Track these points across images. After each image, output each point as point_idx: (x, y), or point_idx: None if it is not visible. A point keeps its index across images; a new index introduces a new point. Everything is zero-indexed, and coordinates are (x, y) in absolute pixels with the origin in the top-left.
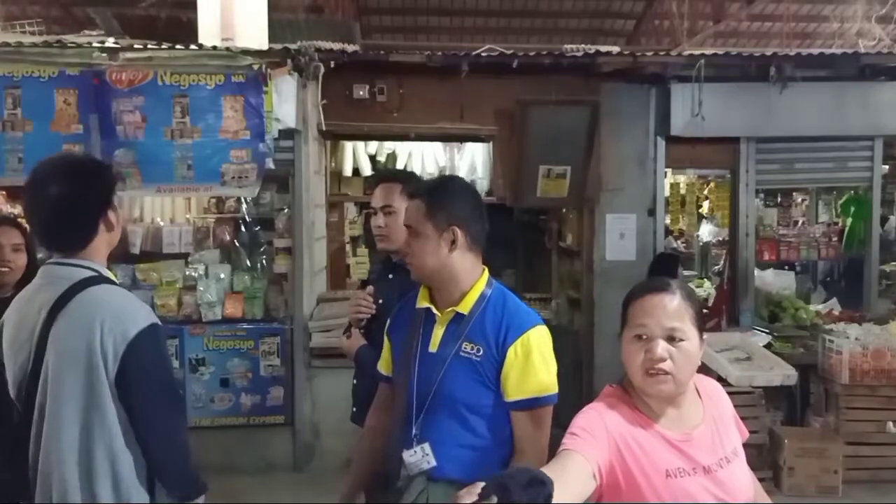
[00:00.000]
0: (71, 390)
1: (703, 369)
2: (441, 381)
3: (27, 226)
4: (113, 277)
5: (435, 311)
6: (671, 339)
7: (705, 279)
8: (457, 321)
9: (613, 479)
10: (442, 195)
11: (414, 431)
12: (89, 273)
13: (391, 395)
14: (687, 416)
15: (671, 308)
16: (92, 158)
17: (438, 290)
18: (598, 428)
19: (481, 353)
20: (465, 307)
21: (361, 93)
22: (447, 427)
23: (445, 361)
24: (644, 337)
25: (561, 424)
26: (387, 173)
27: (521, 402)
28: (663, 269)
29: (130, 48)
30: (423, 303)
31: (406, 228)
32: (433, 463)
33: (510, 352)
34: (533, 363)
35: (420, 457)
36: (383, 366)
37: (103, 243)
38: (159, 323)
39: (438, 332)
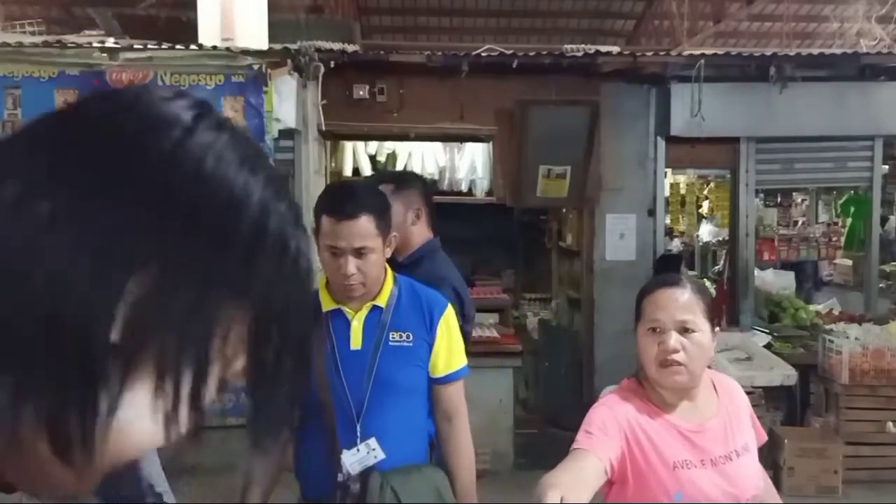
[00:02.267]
0: None
1: None
2: (377, 374)
3: None
4: None
5: (346, 310)
6: (684, 331)
7: (705, 279)
8: (374, 314)
9: (623, 470)
10: (383, 207)
11: (357, 430)
12: None
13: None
14: (701, 408)
15: (682, 301)
16: None
17: (353, 298)
18: (610, 423)
19: (412, 338)
20: (382, 300)
21: (361, 93)
22: (391, 417)
23: (376, 355)
24: (657, 330)
25: (561, 425)
26: (380, 175)
27: (451, 376)
28: (666, 269)
29: (130, 48)
30: (329, 305)
31: (352, 251)
32: (381, 456)
33: (439, 330)
34: (454, 338)
35: (365, 454)
36: None
37: None
38: None
39: (357, 329)
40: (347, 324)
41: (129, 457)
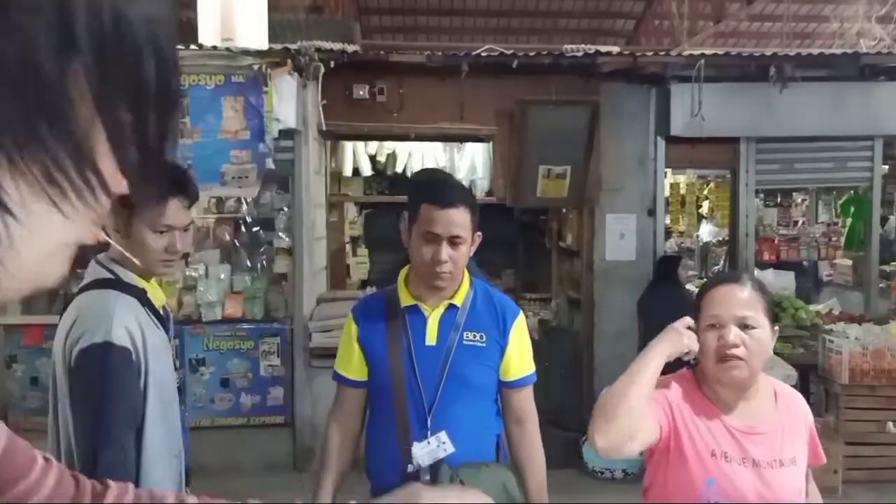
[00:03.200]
0: (56, 392)
1: None
2: (450, 370)
3: None
4: (139, 283)
5: (423, 306)
6: (743, 327)
7: (705, 279)
8: (450, 313)
9: (666, 446)
10: (476, 204)
11: (428, 423)
12: (103, 275)
13: (363, 398)
14: (754, 411)
15: (742, 297)
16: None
17: (440, 287)
18: (660, 395)
19: (485, 339)
20: (458, 299)
21: (361, 93)
22: (461, 413)
23: (450, 352)
24: (717, 325)
25: (561, 425)
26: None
27: (523, 380)
28: (666, 270)
29: None
30: (408, 301)
31: (448, 238)
32: (451, 450)
33: (512, 334)
34: (526, 344)
35: (435, 446)
36: (351, 371)
37: (124, 246)
38: (116, 343)
39: (433, 326)
40: (424, 320)
41: (62, 260)
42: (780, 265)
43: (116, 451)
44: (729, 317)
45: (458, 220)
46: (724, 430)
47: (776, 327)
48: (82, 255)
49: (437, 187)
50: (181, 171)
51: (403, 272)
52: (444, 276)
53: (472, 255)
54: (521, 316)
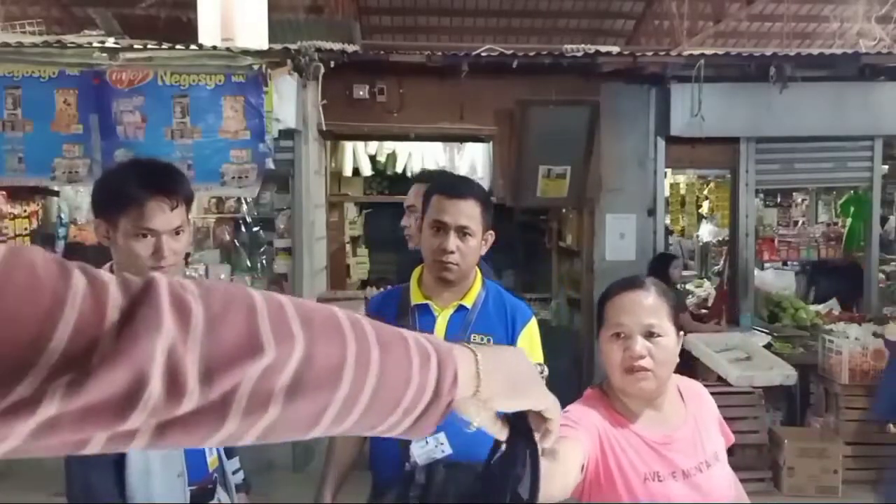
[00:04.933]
0: None
1: (704, 369)
2: None
3: None
4: None
5: (434, 306)
6: (649, 336)
7: (705, 279)
8: (460, 314)
9: (595, 477)
10: (489, 201)
11: None
12: None
13: None
14: (667, 417)
15: (647, 305)
16: (116, 166)
17: (450, 287)
18: (588, 422)
19: (492, 342)
20: (468, 300)
21: (361, 93)
22: None
23: None
24: (622, 335)
25: None
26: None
27: None
28: (656, 268)
29: (130, 48)
30: (419, 299)
31: (455, 228)
32: (448, 451)
33: (521, 340)
34: (536, 350)
35: (433, 447)
36: None
37: (115, 255)
38: None
39: (442, 326)
40: (433, 319)
41: None
42: (780, 265)
43: (79, 491)
44: (635, 326)
45: (467, 210)
46: (645, 446)
47: (681, 333)
48: (92, 261)
49: (449, 179)
50: (163, 169)
51: (417, 271)
52: (450, 266)
53: (483, 253)
54: (533, 321)
